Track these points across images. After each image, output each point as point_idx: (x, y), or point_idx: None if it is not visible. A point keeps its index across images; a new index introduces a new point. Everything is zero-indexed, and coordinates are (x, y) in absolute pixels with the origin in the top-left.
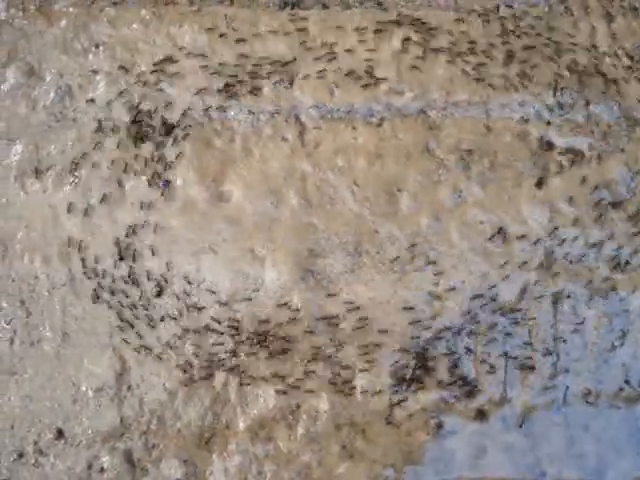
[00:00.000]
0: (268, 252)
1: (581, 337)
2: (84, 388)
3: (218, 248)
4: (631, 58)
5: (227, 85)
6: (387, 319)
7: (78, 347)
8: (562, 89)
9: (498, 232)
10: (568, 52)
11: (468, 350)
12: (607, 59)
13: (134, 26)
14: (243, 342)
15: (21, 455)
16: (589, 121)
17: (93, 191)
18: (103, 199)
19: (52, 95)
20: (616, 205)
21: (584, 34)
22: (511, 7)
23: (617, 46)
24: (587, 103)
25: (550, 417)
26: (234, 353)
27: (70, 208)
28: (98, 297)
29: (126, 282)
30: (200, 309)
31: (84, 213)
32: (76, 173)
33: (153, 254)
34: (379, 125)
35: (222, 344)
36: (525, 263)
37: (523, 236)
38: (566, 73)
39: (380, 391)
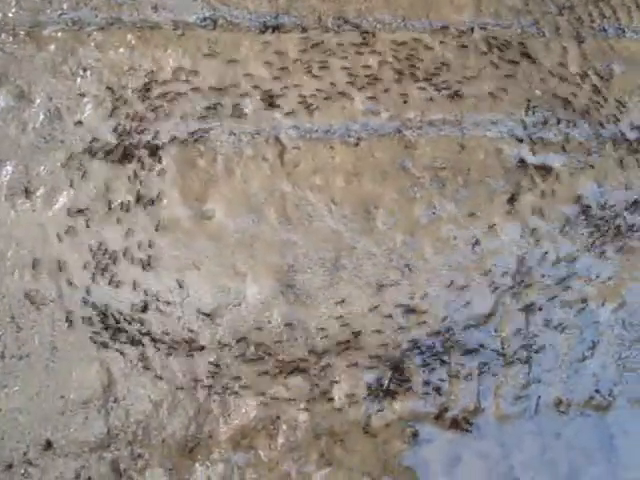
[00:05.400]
0: (249, 268)
1: (552, 348)
2: (72, 400)
3: (201, 264)
4: (601, 77)
5: (210, 107)
6: (364, 332)
7: (66, 361)
8: (534, 108)
9: (472, 246)
10: (540, 72)
11: (442, 362)
12: (578, 79)
13: (120, 50)
14: (225, 355)
15: (10, 466)
16: (560, 139)
17: (80, 210)
18: (90, 218)
19: (41, 117)
20: (586, 220)
21: (555, 55)
22: (485, 29)
23: (587, 66)
24: (558, 121)
25: (523, 426)
26: (216, 365)
27: (58, 227)
28: (86, 314)
29: (112, 298)
30: (184, 323)
31: (72, 231)
32: (64, 193)
33: (139, 271)
34: (356, 144)
35: (205, 357)
36: (498, 276)
37: (496, 250)
38: (538, 92)
39: (357, 401)
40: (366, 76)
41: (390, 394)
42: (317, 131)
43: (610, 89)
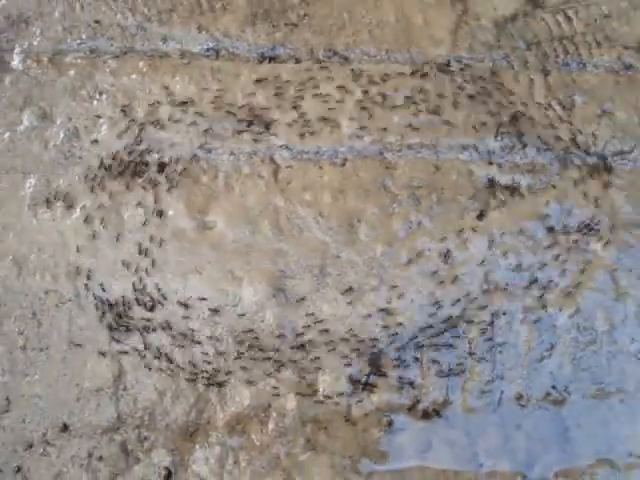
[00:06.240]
0: (245, 273)
1: (514, 349)
2: (86, 388)
3: (203, 269)
4: (563, 107)
5: (212, 129)
6: (346, 332)
7: (81, 353)
8: (502, 134)
9: (444, 257)
10: (509, 101)
11: (416, 359)
12: (543, 108)
13: (133, 76)
14: (223, 350)
15: (31, 445)
16: (526, 162)
17: (96, 220)
18: (105, 227)
19: (62, 136)
20: (548, 235)
21: (523, 86)
22: (460, 62)
23: (551, 96)
24: (524, 146)
25: (487, 417)
26: (215, 359)
27: (76, 234)
28: (100, 312)
29: (123, 298)
30: (187, 322)
31: (88, 239)
32: (81, 204)
33: (148, 275)
34: (342, 165)
35: (204, 352)
36: (467, 284)
37: (465, 261)
38: (506, 119)
39: (340, 393)
40: (352, 103)
41: (369, 387)
42: (308, 152)
43: (572, 118)
